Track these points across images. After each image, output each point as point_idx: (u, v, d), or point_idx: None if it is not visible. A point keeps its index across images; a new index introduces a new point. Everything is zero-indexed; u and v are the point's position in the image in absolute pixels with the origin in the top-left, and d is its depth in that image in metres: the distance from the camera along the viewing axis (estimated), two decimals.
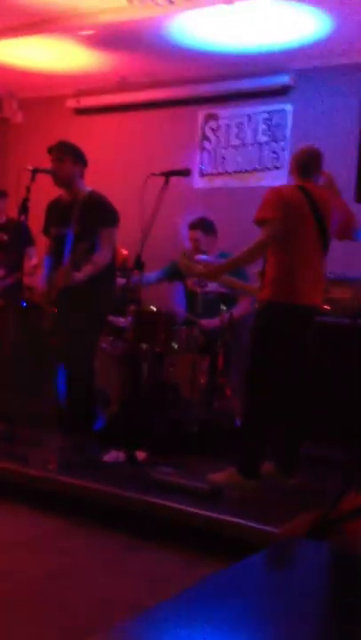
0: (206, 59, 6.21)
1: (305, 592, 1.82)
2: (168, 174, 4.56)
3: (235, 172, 6.54)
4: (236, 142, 6.55)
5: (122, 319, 5.30)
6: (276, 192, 4.26)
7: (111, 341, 5.30)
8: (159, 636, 1.51)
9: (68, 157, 4.92)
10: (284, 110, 6.31)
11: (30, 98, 7.51)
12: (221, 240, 5.80)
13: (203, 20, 5.47)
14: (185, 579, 3.12)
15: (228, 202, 6.40)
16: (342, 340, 4.99)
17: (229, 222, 5.99)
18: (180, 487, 3.96)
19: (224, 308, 5.47)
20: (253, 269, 4.80)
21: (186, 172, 4.70)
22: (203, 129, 6.72)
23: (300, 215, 4.15)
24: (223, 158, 6.60)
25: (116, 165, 6.91)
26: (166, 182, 4.52)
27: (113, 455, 4.48)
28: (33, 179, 4.75)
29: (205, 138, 6.70)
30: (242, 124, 6.52)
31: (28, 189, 4.68)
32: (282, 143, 6.31)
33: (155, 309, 5.22)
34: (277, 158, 6.32)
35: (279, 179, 6.12)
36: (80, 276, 4.79)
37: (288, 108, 6.29)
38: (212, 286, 5.22)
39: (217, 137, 6.64)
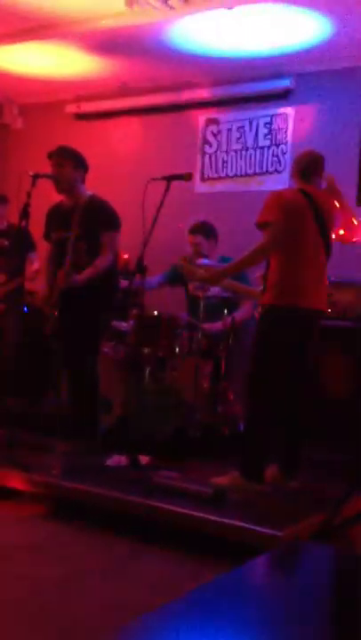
0: (207, 63, 6.22)
1: (308, 595, 1.81)
2: (169, 178, 4.56)
3: (236, 175, 6.54)
4: (237, 146, 6.55)
5: (124, 323, 5.29)
6: (278, 195, 4.26)
7: (113, 346, 5.30)
8: (164, 638, 1.51)
9: (69, 162, 4.92)
10: (285, 114, 6.32)
11: (30, 103, 7.52)
12: (222, 244, 5.80)
13: (203, 24, 5.48)
14: (188, 582, 3.10)
15: (230, 206, 6.40)
16: (345, 342, 4.99)
17: (231, 226, 5.99)
18: (184, 491, 3.95)
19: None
20: (255, 273, 4.80)
21: (187, 177, 4.70)
22: (204, 133, 6.73)
23: (302, 218, 4.15)
24: (224, 162, 6.61)
25: (117, 170, 6.92)
26: (167, 187, 4.52)
27: (116, 460, 4.48)
28: (34, 184, 4.75)
29: (206, 142, 6.71)
30: (243, 128, 6.52)
31: (29, 195, 4.68)
32: (283, 147, 6.32)
33: (157, 313, 5.22)
34: (279, 162, 6.33)
35: (280, 182, 6.13)
36: (80, 277, 4.79)
37: (289, 111, 6.29)
38: (214, 290, 5.22)
39: (218, 141, 6.65)
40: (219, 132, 6.65)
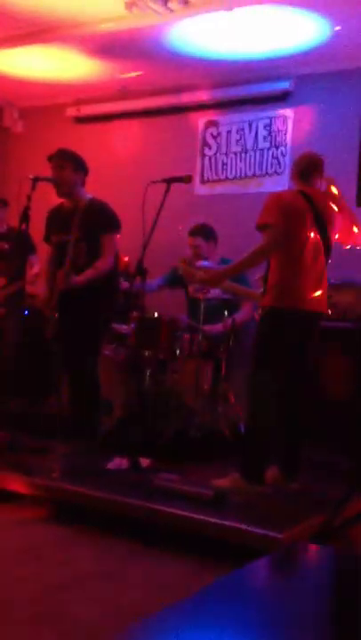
0: (206, 65, 6.23)
1: (309, 597, 1.81)
2: (169, 181, 4.57)
3: (236, 178, 6.55)
4: (236, 148, 6.56)
5: (124, 326, 5.29)
6: (277, 197, 4.27)
7: (114, 348, 5.30)
8: None
9: (69, 165, 4.93)
10: (284, 116, 6.33)
11: (31, 107, 7.53)
12: (222, 246, 5.81)
13: (202, 27, 5.49)
14: (189, 585, 3.11)
15: (229, 208, 6.41)
16: (345, 344, 4.99)
17: (231, 228, 6.00)
18: (184, 493, 3.95)
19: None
20: (255, 275, 4.80)
21: (187, 179, 4.70)
22: (203, 135, 6.74)
23: (302, 220, 4.15)
24: (224, 164, 6.61)
25: (116, 173, 6.93)
26: (167, 189, 4.53)
27: (116, 462, 4.47)
28: (34, 187, 4.75)
29: (206, 144, 6.72)
30: (242, 130, 6.53)
31: (29, 198, 4.68)
32: (282, 149, 6.32)
33: (157, 316, 5.22)
34: (278, 164, 6.33)
35: (280, 184, 6.14)
36: (80, 279, 4.79)
37: (288, 113, 6.30)
38: (214, 292, 5.22)
39: (218, 143, 6.65)
40: (218, 134, 6.66)
